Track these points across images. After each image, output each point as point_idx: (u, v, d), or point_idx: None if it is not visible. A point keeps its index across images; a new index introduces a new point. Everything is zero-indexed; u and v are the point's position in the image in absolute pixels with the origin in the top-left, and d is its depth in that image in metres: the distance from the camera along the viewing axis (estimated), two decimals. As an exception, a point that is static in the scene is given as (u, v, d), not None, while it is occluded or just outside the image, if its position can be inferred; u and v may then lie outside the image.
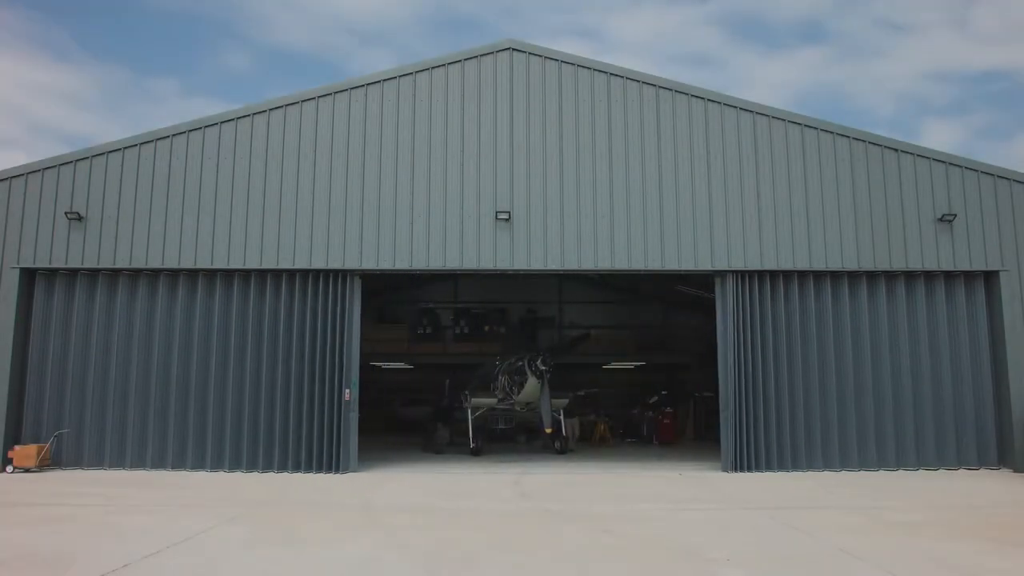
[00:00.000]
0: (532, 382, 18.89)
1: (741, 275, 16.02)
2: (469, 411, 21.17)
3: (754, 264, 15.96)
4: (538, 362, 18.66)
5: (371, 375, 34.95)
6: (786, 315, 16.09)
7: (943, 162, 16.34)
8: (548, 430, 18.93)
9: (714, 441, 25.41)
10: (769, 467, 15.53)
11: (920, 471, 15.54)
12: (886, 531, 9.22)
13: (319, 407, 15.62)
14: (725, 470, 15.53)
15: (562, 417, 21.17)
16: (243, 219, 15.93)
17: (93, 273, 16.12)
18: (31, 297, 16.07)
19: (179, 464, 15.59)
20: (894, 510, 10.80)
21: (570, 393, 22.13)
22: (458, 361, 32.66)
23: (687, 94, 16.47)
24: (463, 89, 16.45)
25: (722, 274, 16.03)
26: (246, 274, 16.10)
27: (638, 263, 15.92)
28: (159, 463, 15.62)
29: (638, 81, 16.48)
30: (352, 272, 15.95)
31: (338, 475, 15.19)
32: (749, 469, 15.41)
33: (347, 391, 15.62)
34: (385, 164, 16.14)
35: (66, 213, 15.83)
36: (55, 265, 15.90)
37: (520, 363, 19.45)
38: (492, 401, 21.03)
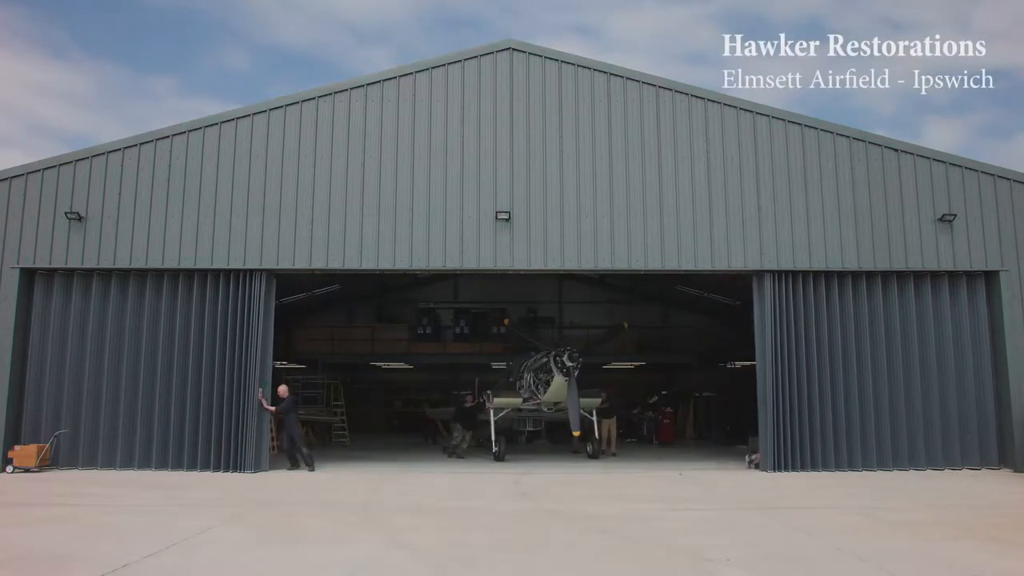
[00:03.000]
0: (558, 380, 17.28)
1: (778, 275, 15.96)
2: (491, 412, 19.30)
3: (741, 264, 15.96)
4: (564, 358, 17.09)
5: (370, 374, 35.13)
6: (793, 316, 16.00)
7: (943, 162, 16.33)
8: (576, 433, 17.17)
9: (714, 441, 25.53)
10: (803, 467, 15.43)
11: (927, 471, 15.56)
12: (886, 531, 9.21)
13: (222, 405, 15.59)
14: (765, 470, 15.53)
15: (595, 418, 19.32)
16: (243, 219, 15.92)
17: (93, 273, 16.11)
18: (31, 297, 16.07)
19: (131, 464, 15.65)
20: (895, 510, 10.78)
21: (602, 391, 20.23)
22: (458, 361, 32.76)
23: (687, 94, 16.46)
24: (463, 89, 16.44)
25: (760, 274, 16.00)
26: (232, 273, 16.05)
27: (638, 263, 15.91)
28: (145, 463, 15.62)
29: (638, 81, 16.47)
30: (263, 271, 15.84)
31: (252, 474, 15.16)
32: (792, 468, 15.34)
33: (260, 390, 15.58)
34: (385, 164, 16.13)
35: (66, 213, 15.82)
36: (55, 265, 15.90)
37: (545, 359, 17.90)
38: (516, 401, 19.39)
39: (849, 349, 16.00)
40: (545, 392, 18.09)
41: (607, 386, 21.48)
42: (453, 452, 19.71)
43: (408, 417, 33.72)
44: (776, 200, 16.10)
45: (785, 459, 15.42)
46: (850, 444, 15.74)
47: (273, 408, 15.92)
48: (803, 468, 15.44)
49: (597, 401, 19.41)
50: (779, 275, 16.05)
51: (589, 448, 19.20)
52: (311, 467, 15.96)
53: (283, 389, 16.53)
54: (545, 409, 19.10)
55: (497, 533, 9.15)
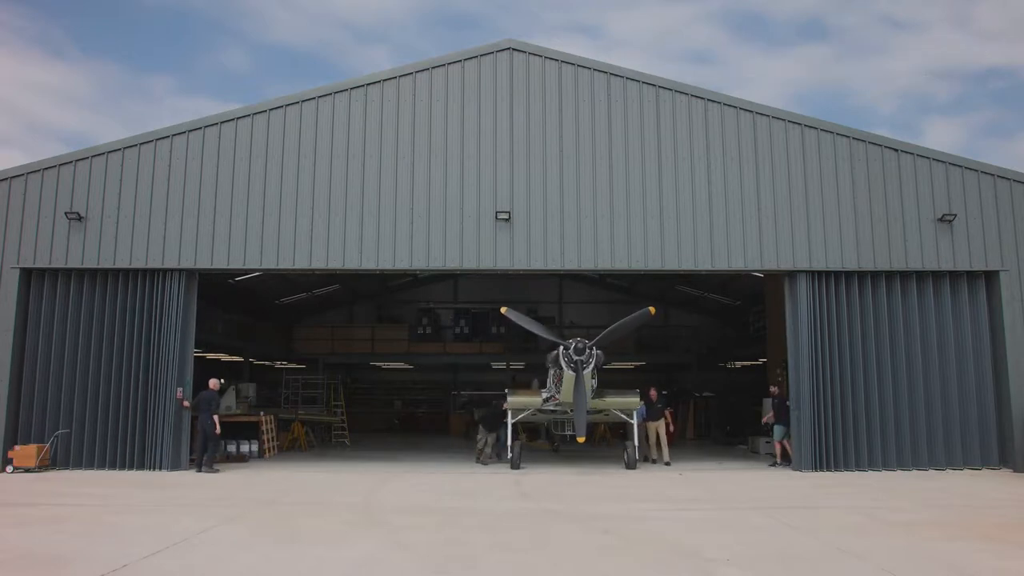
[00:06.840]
0: (568, 377, 15.00)
1: (813, 273, 16.01)
2: (508, 413, 17.30)
3: (741, 264, 15.98)
4: (571, 350, 14.77)
5: (370, 374, 35.15)
6: (796, 318, 15.98)
7: (943, 162, 16.33)
8: (580, 439, 15.26)
9: (714, 441, 25.53)
10: (831, 467, 15.45)
11: (929, 471, 15.59)
12: (886, 531, 9.21)
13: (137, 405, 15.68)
14: (797, 469, 15.64)
15: (635, 421, 17.00)
16: (243, 219, 15.94)
17: (92, 273, 16.11)
18: (31, 297, 16.07)
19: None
20: (896, 510, 10.79)
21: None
22: (458, 361, 32.79)
23: (687, 94, 16.46)
24: (463, 89, 16.45)
25: (793, 274, 16.01)
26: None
27: (638, 263, 15.92)
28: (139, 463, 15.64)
29: (638, 81, 16.48)
30: (182, 270, 15.88)
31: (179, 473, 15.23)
32: (826, 468, 15.40)
33: (179, 390, 15.59)
34: (385, 164, 16.14)
35: (66, 213, 15.83)
36: (55, 265, 15.90)
37: (555, 353, 15.49)
38: (536, 401, 17.28)
39: (856, 350, 16.02)
40: (561, 391, 15.81)
41: (606, 387, 19.38)
42: (483, 460, 17.70)
43: (409, 417, 33.79)
44: (776, 200, 16.10)
45: (823, 459, 15.47)
46: (857, 444, 15.76)
47: (187, 404, 15.76)
48: (831, 468, 15.43)
49: (636, 401, 17.10)
50: (811, 276, 16.02)
51: (625, 456, 16.70)
52: (212, 469, 15.39)
53: (213, 382, 16.10)
54: (569, 410, 16.53)
55: (497, 533, 9.15)
